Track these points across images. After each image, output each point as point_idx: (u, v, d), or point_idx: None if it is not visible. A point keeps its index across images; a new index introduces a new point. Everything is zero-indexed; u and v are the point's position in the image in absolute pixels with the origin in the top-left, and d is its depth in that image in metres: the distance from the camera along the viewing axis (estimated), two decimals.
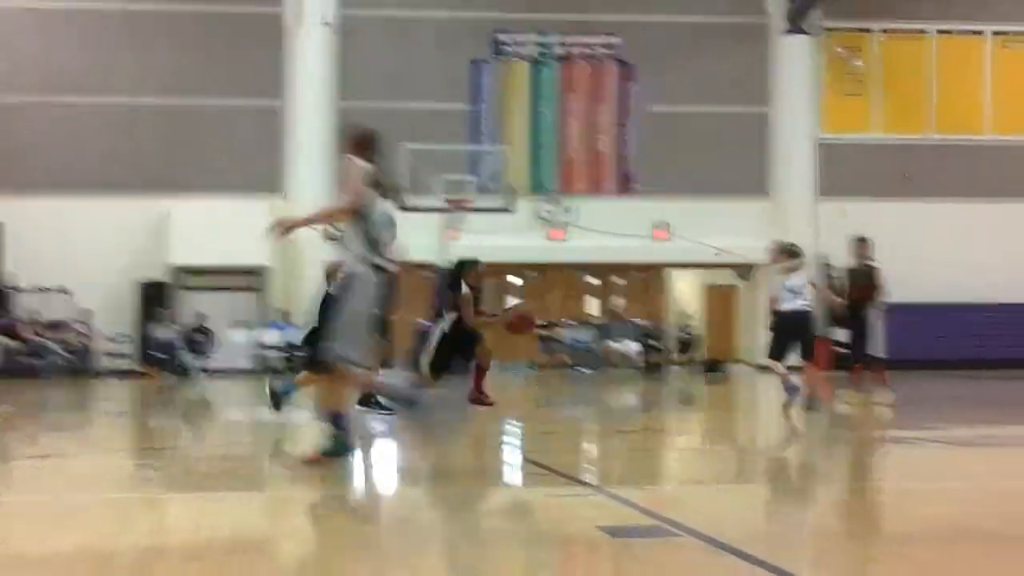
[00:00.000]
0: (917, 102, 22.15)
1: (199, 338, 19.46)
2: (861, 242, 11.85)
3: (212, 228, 19.77)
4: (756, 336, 18.66)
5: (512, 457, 7.45)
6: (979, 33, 22.19)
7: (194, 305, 20.06)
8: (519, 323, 10.94)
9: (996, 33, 22.18)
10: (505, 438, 8.69)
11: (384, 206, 6.61)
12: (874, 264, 11.65)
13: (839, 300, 12.00)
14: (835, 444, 8.50)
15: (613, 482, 5.86)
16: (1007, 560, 3.84)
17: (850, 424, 9.86)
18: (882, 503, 5.42)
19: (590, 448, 8.17)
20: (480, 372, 10.03)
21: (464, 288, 9.97)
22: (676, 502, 5.20)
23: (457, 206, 19.20)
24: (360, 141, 6.15)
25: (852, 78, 22.30)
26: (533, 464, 6.56)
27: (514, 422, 9.84)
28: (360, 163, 6.05)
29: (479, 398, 10.00)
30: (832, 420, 9.67)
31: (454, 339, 9.77)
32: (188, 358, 19.03)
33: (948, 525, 4.47)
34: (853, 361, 11.66)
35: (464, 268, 10.23)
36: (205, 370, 18.90)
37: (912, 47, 22.27)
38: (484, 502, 5.37)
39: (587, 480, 5.90)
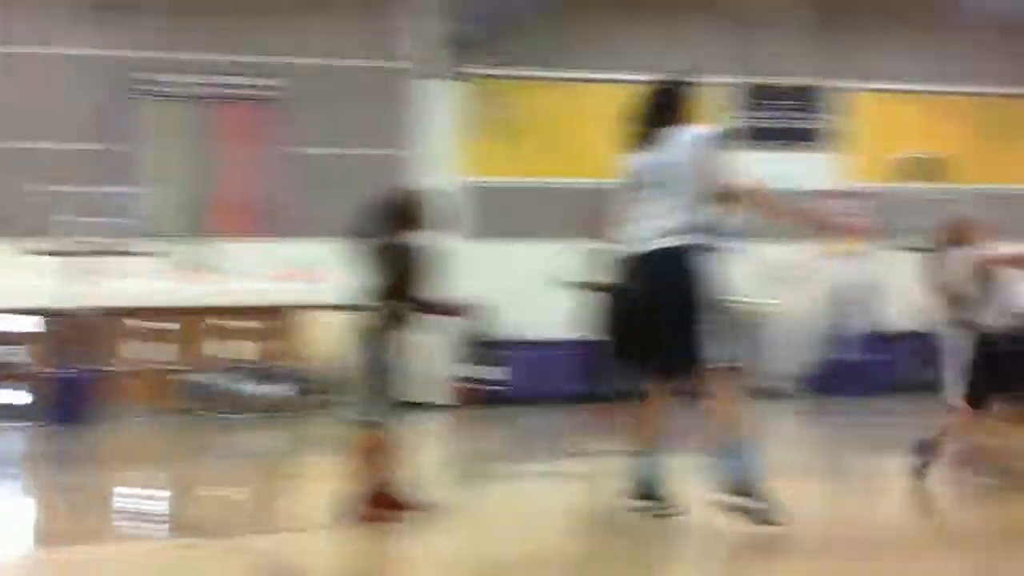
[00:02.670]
0: (563, 147, 23.15)
1: None
2: None
3: None
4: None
5: None
6: (620, 82, 23.42)
7: None
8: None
9: (629, 82, 23.40)
10: None
11: None
12: None
13: None
14: None
15: None
16: None
17: None
18: None
19: None
20: None
21: None
22: None
23: (101, 250, 18.59)
24: None
25: (501, 124, 23.08)
26: None
27: None
28: None
29: None
30: None
31: None
32: None
33: None
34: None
35: None
36: None
37: (560, 94, 23.31)
38: None
39: None
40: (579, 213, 21.58)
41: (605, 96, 23.41)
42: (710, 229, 4.91)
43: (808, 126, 24.30)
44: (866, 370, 22.30)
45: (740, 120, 23.77)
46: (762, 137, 23.84)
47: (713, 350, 5.11)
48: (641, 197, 5.05)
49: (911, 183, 21.76)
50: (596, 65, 23.17)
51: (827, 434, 15.60)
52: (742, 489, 5.06)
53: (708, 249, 4.91)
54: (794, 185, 23.83)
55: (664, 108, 5.16)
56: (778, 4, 24.09)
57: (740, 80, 23.74)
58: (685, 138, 4.98)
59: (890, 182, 23.38)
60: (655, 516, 5.36)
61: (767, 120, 24.01)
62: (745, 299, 5.12)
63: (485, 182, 22.72)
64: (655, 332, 5.04)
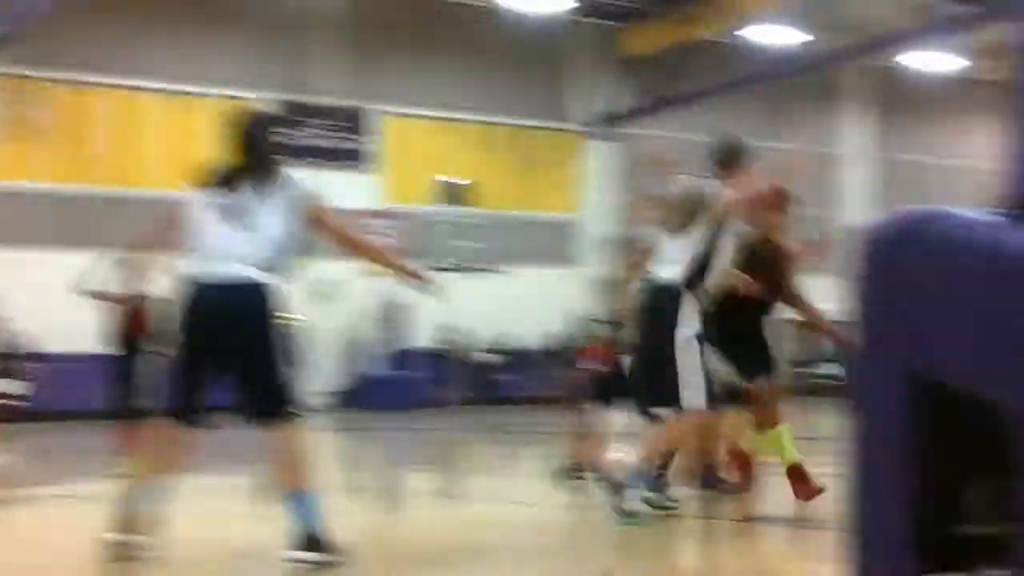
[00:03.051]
0: (86, 153, 22.09)
1: None
2: None
3: None
4: None
5: None
6: (141, 89, 22.67)
7: None
8: None
9: (157, 90, 22.78)
10: None
11: None
12: None
13: None
14: None
15: None
16: None
17: None
18: None
19: None
20: None
21: None
22: None
23: None
24: None
25: (26, 125, 21.70)
26: None
27: None
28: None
29: None
30: None
31: None
32: None
33: None
34: None
35: None
36: None
37: (83, 99, 22.21)
38: None
39: None
40: (113, 223, 20.78)
41: (145, 105, 22.74)
42: (286, 265, 4.89)
43: (346, 146, 24.63)
44: (398, 386, 22.90)
45: (279, 137, 23.73)
46: (300, 155, 23.95)
47: (292, 391, 5.04)
48: (217, 225, 4.87)
49: (442, 206, 22.57)
50: (126, 71, 22.34)
51: (378, 451, 15.84)
52: (307, 539, 4.87)
53: (283, 284, 4.88)
54: (333, 205, 24.30)
55: (250, 142, 5.04)
56: (317, 23, 24.31)
57: (278, 97, 23.70)
58: (271, 173, 4.92)
59: (422, 204, 24.16)
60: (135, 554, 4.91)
61: (305, 138, 24.09)
62: (285, 316, 5.02)
63: (4, 186, 21.31)
64: (234, 367, 4.89)
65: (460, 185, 23.03)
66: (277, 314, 4.98)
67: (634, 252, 7.62)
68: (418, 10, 24.86)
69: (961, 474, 2.36)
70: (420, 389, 23.07)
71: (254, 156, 5.11)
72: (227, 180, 5.07)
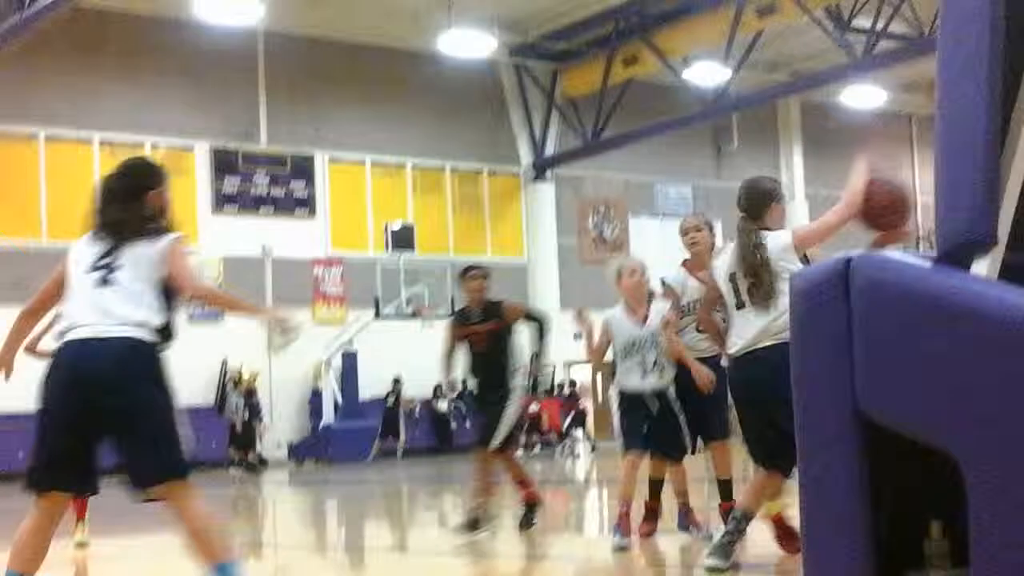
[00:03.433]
0: (28, 206, 21.92)
1: None
2: None
3: None
4: None
5: None
6: (87, 142, 22.59)
7: None
8: None
9: (103, 142, 22.70)
10: None
11: None
12: None
13: None
14: None
15: None
16: None
17: None
18: None
19: None
20: None
21: None
22: None
23: None
24: None
25: None
26: None
27: None
28: None
29: None
30: None
31: None
32: None
33: None
34: None
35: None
36: None
37: (22, 151, 22.11)
38: None
39: None
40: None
41: (90, 156, 22.57)
42: (156, 320, 4.52)
43: (293, 194, 24.60)
44: (355, 436, 22.66)
45: (220, 186, 23.74)
46: (248, 204, 23.91)
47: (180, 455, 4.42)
48: (82, 279, 4.61)
49: (390, 252, 22.60)
50: (71, 122, 22.26)
51: (334, 504, 15.76)
52: None
53: (161, 344, 4.54)
54: (281, 252, 24.34)
55: (115, 193, 4.77)
56: (262, 72, 24.38)
57: (225, 146, 23.71)
58: (146, 231, 4.63)
59: (370, 251, 24.19)
60: None
61: (253, 187, 24.09)
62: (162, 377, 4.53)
63: None
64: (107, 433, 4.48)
65: (407, 230, 23.10)
66: (148, 371, 4.47)
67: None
68: (360, 58, 25.01)
69: (917, 518, 2.45)
70: (374, 439, 23.00)
71: (119, 207, 4.71)
72: (95, 232, 4.84)
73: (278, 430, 22.88)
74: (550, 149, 27.34)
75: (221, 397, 22.49)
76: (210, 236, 23.19)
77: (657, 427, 7.06)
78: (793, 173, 30.81)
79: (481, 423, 8.59)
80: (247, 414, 21.76)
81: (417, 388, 23.54)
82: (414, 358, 21.76)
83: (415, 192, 25.92)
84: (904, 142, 31.84)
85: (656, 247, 29.01)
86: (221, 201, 23.76)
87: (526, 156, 27.33)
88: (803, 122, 31.01)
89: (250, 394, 21.99)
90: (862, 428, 2.45)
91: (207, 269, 23.00)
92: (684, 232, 7.27)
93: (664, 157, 28.41)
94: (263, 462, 21.68)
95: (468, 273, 8.59)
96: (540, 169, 27.26)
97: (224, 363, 22.59)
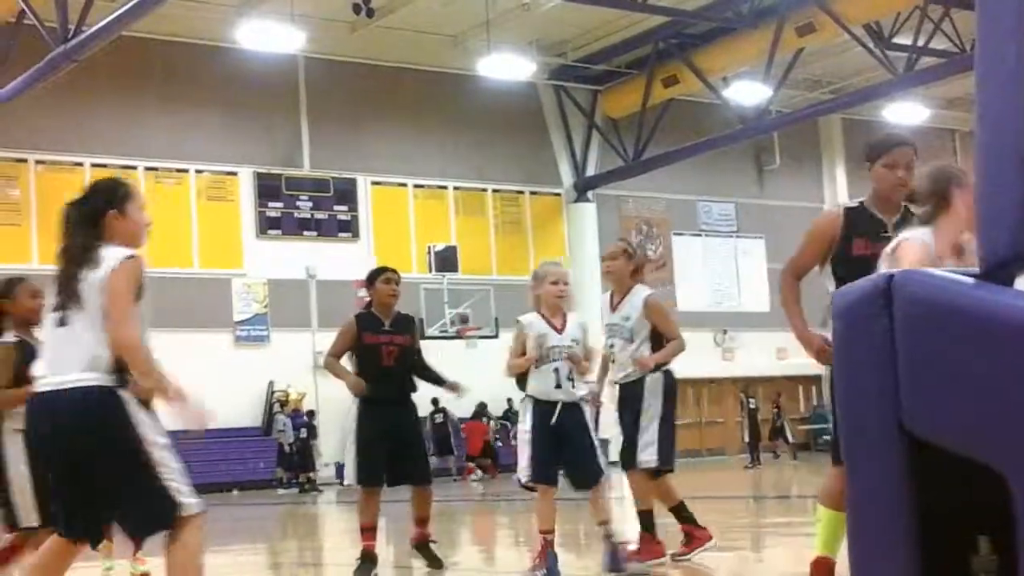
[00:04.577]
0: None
1: None
2: None
3: None
4: None
5: None
6: (132, 169, 22.83)
7: None
8: None
9: (148, 168, 22.97)
10: None
11: None
12: None
13: None
14: None
15: None
16: None
17: None
18: None
19: None
20: None
21: None
22: None
23: None
24: None
25: (9, 207, 21.90)
26: None
27: None
28: None
29: None
30: None
31: None
32: None
33: None
34: None
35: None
36: None
37: (68, 178, 22.38)
38: None
39: None
40: None
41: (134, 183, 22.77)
42: (120, 366, 3.96)
43: (337, 217, 24.77)
44: None
45: (264, 211, 23.94)
46: (292, 228, 24.11)
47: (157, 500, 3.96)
48: (48, 322, 4.18)
49: (433, 273, 22.69)
50: (116, 150, 22.52)
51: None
52: None
53: (121, 379, 3.99)
54: (325, 275, 24.48)
55: (79, 220, 4.36)
56: (305, 97, 24.59)
57: (269, 171, 23.93)
58: (87, 259, 4.15)
59: (413, 272, 24.28)
60: None
61: (297, 212, 24.28)
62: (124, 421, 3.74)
63: None
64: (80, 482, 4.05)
65: (450, 251, 23.18)
66: (103, 421, 3.98)
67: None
68: (400, 82, 25.18)
69: (964, 534, 2.41)
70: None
71: (68, 236, 4.32)
72: (57, 269, 4.26)
73: (325, 450, 22.96)
74: (591, 169, 27.36)
75: (268, 418, 22.63)
76: (255, 260, 23.40)
77: (570, 451, 6.67)
78: (837, 190, 30.62)
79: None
80: (304, 433, 21.88)
81: (463, 409, 23.57)
82: (458, 378, 21.74)
83: (457, 214, 26.00)
84: (948, 158, 31.58)
85: (699, 265, 28.99)
86: (265, 226, 23.97)
87: (567, 176, 27.36)
88: (845, 139, 30.83)
89: (310, 415, 22.12)
90: (907, 444, 2.44)
91: (254, 292, 23.17)
92: (601, 259, 7.25)
93: (706, 175, 28.34)
94: (315, 487, 21.68)
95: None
96: (581, 189, 27.28)
97: (271, 384, 22.72)
